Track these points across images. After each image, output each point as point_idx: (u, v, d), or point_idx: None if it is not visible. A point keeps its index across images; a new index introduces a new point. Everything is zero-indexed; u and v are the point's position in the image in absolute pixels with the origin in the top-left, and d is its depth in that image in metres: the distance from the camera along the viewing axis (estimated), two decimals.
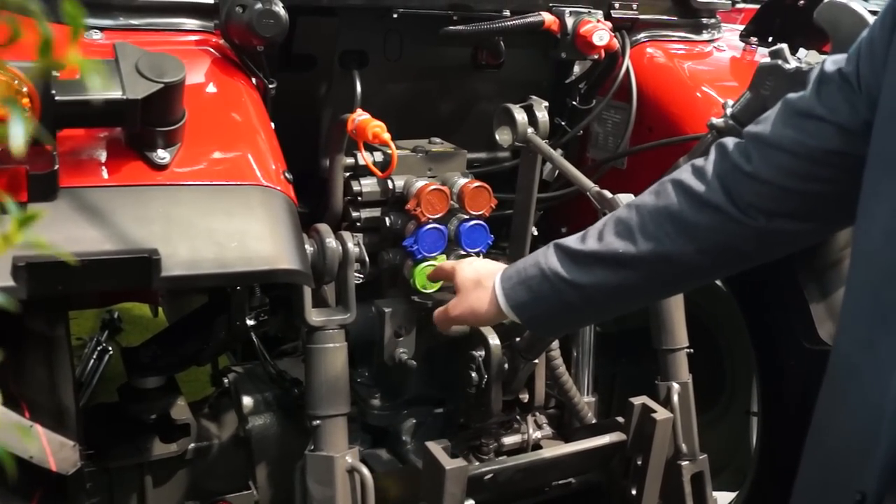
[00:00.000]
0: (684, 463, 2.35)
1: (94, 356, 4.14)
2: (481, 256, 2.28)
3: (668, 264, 1.46)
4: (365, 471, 1.94)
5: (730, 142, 1.43)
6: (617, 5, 2.70)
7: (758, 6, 2.95)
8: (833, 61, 1.30)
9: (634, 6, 2.74)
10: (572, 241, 1.57)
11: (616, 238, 1.49)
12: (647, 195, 1.51)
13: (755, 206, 1.37)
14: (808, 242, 1.45)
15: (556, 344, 2.33)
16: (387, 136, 2.04)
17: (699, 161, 1.46)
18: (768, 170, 1.34)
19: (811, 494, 1.39)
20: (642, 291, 1.57)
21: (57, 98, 1.48)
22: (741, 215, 1.37)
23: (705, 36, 2.98)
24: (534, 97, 2.39)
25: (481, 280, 1.70)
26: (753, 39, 2.88)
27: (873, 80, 1.21)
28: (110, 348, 4.24)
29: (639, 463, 2.24)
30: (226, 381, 2.58)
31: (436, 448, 1.94)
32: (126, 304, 4.34)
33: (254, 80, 2.11)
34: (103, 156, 1.69)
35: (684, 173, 1.47)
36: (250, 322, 2.39)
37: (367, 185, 2.27)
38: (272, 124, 2.03)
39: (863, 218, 1.24)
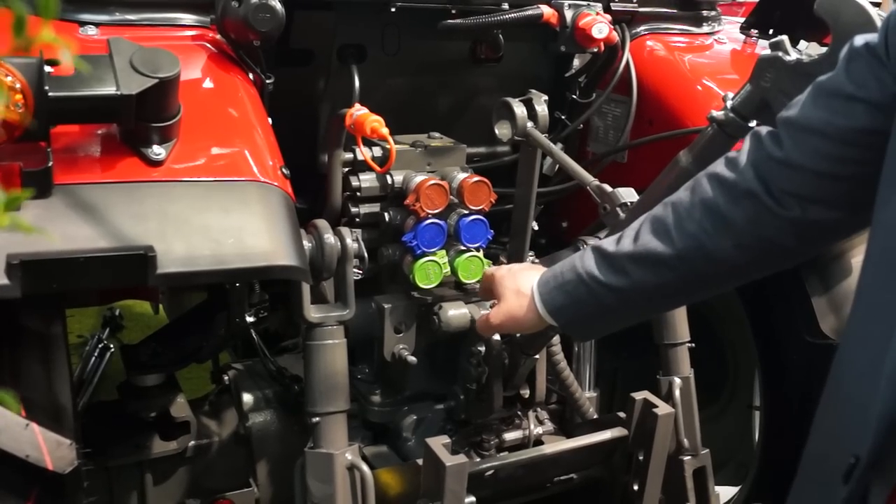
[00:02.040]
0: (686, 458, 2.34)
1: (96, 354, 4.14)
2: (482, 253, 2.28)
3: (706, 262, 1.44)
4: (365, 468, 1.93)
5: (763, 129, 1.40)
6: None
7: None
8: (864, 37, 1.28)
9: None
10: (608, 243, 1.56)
11: (653, 237, 1.48)
12: (682, 192, 1.49)
13: (789, 194, 1.34)
14: (846, 235, 1.43)
15: (557, 339, 2.32)
16: (385, 130, 2.03)
17: (733, 153, 1.44)
18: (800, 154, 1.32)
19: (813, 466, 1.37)
20: (680, 291, 1.56)
21: (50, 94, 1.47)
22: (776, 205, 1.35)
23: (705, 28, 2.97)
24: (533, 91, 2.37)
25: (519, 286, 1.70)
26: (754, 32, 2.86)
27: None
28: (111, 346, 4.23)
29: (640, 458, 2.23)
30: (226, 378, 2.58)
31: (436, 444, 1.93)
32: (127, 302, 4.34)
33: (251, 76, 2.10)
34: (98, 152, 1.69)
35: (719, 166, 1.44)
36: (250, 319, 2.39)
37: (366, 180, 2.26)
38: (269, 120, 2.02)
39: (885, 185, 1.22)
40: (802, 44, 2.42)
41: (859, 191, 1.29)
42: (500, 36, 2.60)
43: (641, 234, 1.50)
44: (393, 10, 2.35)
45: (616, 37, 2.54)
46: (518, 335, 2.19)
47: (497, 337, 2.18)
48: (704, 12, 2.96)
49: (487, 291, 1.84)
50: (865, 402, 1.18)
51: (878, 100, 1.23)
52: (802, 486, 1.41)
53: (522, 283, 1.69)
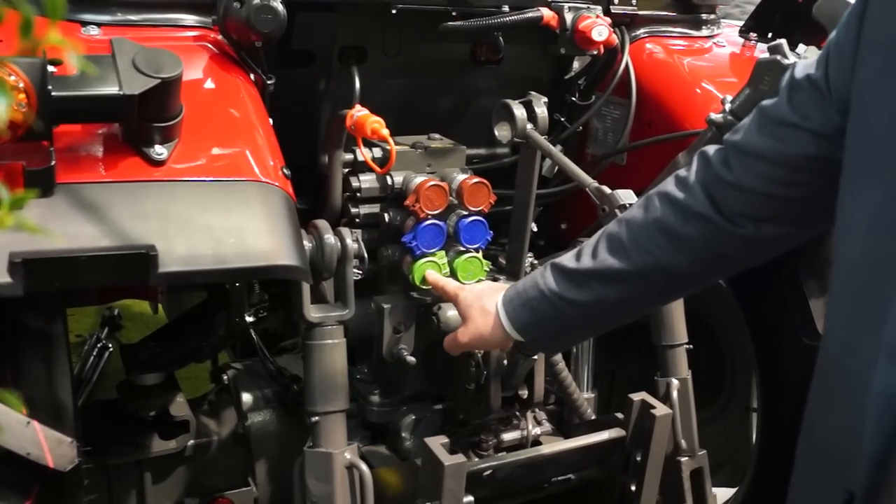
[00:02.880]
0: (684, 459, 2.35)
1: (95, 353, 4.14)
2: (481, 254, 2.28)
3: (662, 276, 1.49)
4: (364, 467, 1.94)
5: (710, 150, 1.44)
6: (616, 1, 2.69)
7: None
8: (803, 66, 1.32)
9: (634, 2, 2.74)
10: (568, 259, 1.59)
11: (609, 255, 1.52)
12: (635, 209, 1.54)
13: (741, 214, 1.39)
14: (796, 243, 1.47)
15: None
16: (385, 131, 2.04)
17: (682, 172, 1.48)
18: (750, 179, 1.36)
19: (805, 492, 1.39)
20: (641, 303, 1.61)
21: (53, 93, 1.48)
22: (728, 224, 1.39)
23: (705, 32, 2.98)
24: (533, 93, 2.39)
25: (484, 305, 1.73)
26: (753, 35, 2.87)
27: (842, 85, 1.22)
28: (110, 345, 4.23)
29: (638, 459, 2.24)
30: (225, 377, 2.58)
31: (435, 444, 1.94)
32: (126, 301, 4.34)
33: (252, 76, 2.11)
34: (100, 151, 1.69)
35: (669, 185, 1.48)
36: (249, 319, 2.39)
37: (366, 181, 2.27)
38: (270, 120, 2.02)
39: (841, 222, 1.26)
40: (801, 47, 2.43)
41: (809, 209, 1.35)
42: (501, 38, 2.61)
43: (599, 251, 1.54)
44: (394, 11, 2.36)
45: (616, 39, 2.55)
46: None
47: None
48: (704, 15, 2.97)
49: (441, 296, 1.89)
50: (852, 436, 1.19)
51: (822, 130, 1.27)
52: None
53: (487, 302, 1.73)
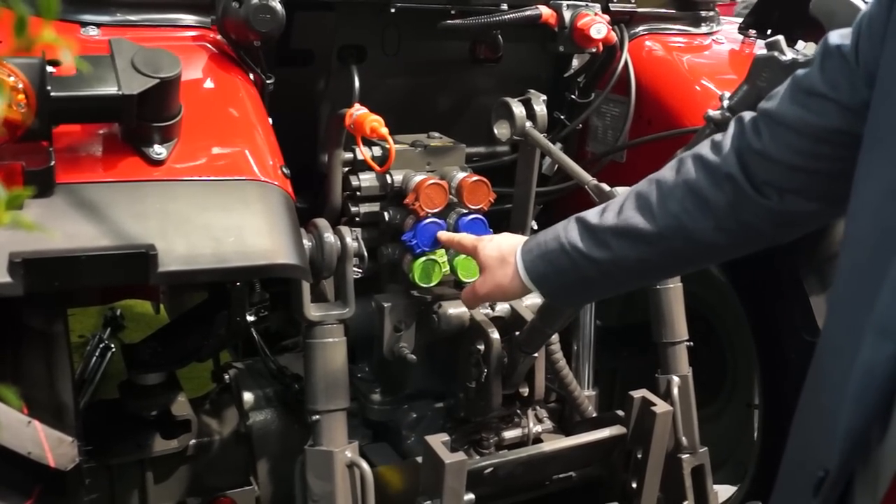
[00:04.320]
0: (685, 456, 2.35)
1: (97, 353, 4.15)
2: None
3: (685, 240, 1.45)
4: (365, 465, 1.94)
5: (747, 116, 1.41)
6: None
7: None
8: (838, 35, 1.28)
9: None
10: (592, 214, 1.56)
11: (636, 212, 1.49)
12: (667, 170, 1.50)
13: (768, 184, 1.36)
14: (824, 222, 1.43)
15: (556, 338, 2.33)
16: (385, 130, 2.04)
17: (718, 136, 1.45)
18: (777, 147, 1.33)
19: (790, 474, 1.38)
20: (660, 267, 1.57)
21: (53, 94, 1.48)
22: (755, 193, 1.37)
23: (704, 29, 2.98)
24: (532, 91, 2.39)
25: (504, 255, 1.70)
26: (752, 32, 2.87)
27: (871, 58, 1.19)
28: (112, 345, 4.24)
29: (639, 456, 2.24)
30: (226, 377, 2.59)
31: (436, 442, 1.94)
32: (128, 301, 4.35)
33: (251, 76, 2.11)
34: (99, 151, 1.70)
35: (703, 148, 1.45)
36: (250, 318, 2.39)
37: (366, 179, 2.27)
38: (270, 119, 2.03)
39: (854, 198, 1.23)
40: (800, 43, 2.43)
41: (834, 184, 1.31)
42: (500, 36, 2.61)
43: (625, 208, 1.51)
44: (393, 10, 2.36)
45: (614, 37, 2.55)
46: (517, 333, 2.20)
47: (496, 335, 2.19)
48: (703, 13, 2.97)
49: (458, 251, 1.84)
50: (835, 415, 1.18)
51: (849, 102, 1.24)
52: (779, 494, 1.41)
53: (506, 252, 1.70)
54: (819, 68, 1.29)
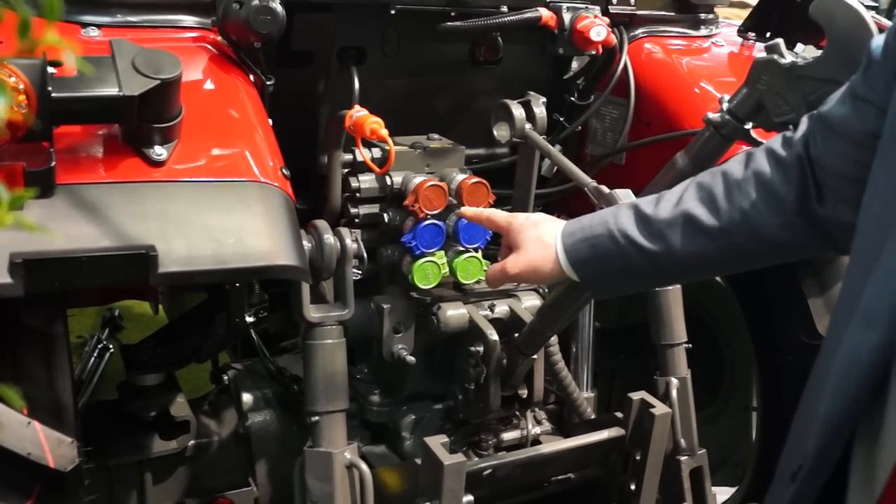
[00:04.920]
0: (683, 458, 2.36)
1: (95, 354, 4.14)
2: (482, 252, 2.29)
3: (749, 236, 1.40)
4: (364, 467, 1.94)
5: (815, 115, 1.38)
6: (614, 1, 2.70)
7: None
8: (882, 40, 1.25)
9: (632, 2, 2.75)
10: (646, 203, 1.50)
11: (697, 204, 1.43)
12: (733, 163, 1.44)
13: (824, 187, 1.32)
14: None
15: (554, 339, 2.33)
16: (385, 132, 2.04)
17: (789, 132, 1.41)
18: (825, 153, 1.31)
19: (781, 465, 1.37)
20: (715, 264, 1.51)
21: (53, 94, 1.48)
22: (816, 192, 1.33)
23: (703, 31, 2.98)
24: (531, 93, 2.39)
25: (542, 235, 1.61)
26: (751, 35, 2.88)
27: None
28: (111, 346, 4.24)
29: (637, 458, 2.24)
30: (225, 378, 2.59)
31: (435, 444, 1.94)
32: (127, 302, 4.35)
33: (251, 77, 2.12)
34: (100, 152, 1.70)
35: (774, 143, 1.42)
36: (249, 319, 2.39)
37: (366, 181, 2.28)
38: (270, 121, 2.03)
39: (867, 192, 1.20)
40: (799, 46, 2.44)
41: None
42: (499, 38, 2.61)
43: (685, 199, 1.45)
44: (392, 12, 2.36)
45: (614, 39, 2.55)
46: (517, 335, 2.21)
47: (495, 337, 2.19)
48: (702, 15, 2.97)
49: (507, 245, 1.72)
50: (819, 403, 1.18)
51: (885, 105, 1.20)
52: (774, 482, 1.41)
53: (545, 233, 1.61)
54: (863, 72, 1.27)
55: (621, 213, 1.52)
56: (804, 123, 1.40)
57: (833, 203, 1.32)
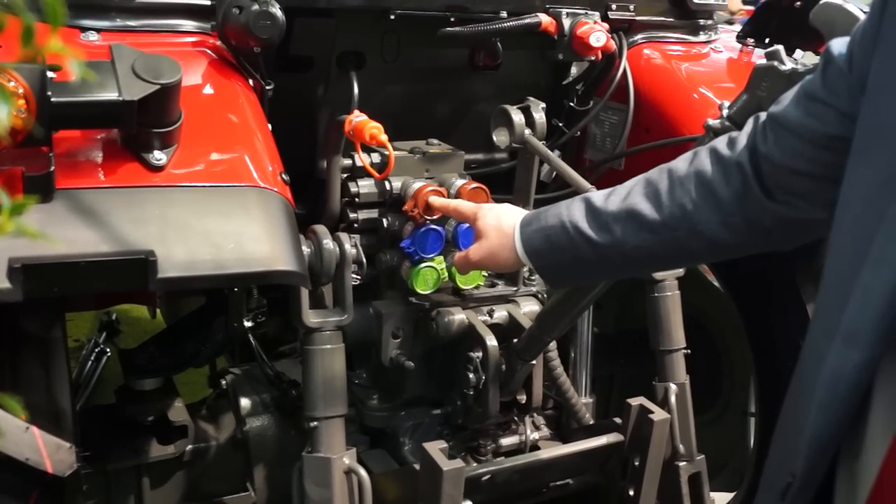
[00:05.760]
0: (682, 463, 2.36)
1: (92, 358, 4.13)
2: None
3: (689, 231, 1.44)
4: (362, 472, 1.94)
5: (763, 115, 1.41)
6: (614, 6, 2.70)
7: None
8: (840, 43, 1.27)
9: (631, 7, 2.75)
10: (598, 196, 1.55)
11: (643, 199, 1.47)
12: (680, 160, 1.48)
13: (774, 186, 1.35)
14: (827, 231, 1.43)
15: (553, 345, 2.33)
16: (384, 137, 2.05)
17: (734, 133, 1.44)
18: (781, 151, 1.33)
19: (766, 478, 1.38)
20: (659, 256, 1.55)
21: (53, 99, 1.48)
22: (763, 193, 1.36)
23: (702, 37, 2.99)
24: (531, 98, 2.39)
25: (502, 224, 1.70)
26: (750, 41, 2.88)
27: (864, 64, 1.19)
28: (108, 350, 4.23)
29: (636, 464, 2.24)
30: (223, 382, 2.58)
31: (433, 449, 1.94)
32: (124, 306, 4.33)
33: (251, 82, 2.11)
34: (99, 157, 1.69)
35: (719, 143, 1.45)
36: (248, 323, 2.39)
37: (365, 186, 2.28)
38: (269, 126, 2.03)
39: (838, 206, 1.22)
40: (798, 53, 2.44)
41: (836, 192, 1.28)
42: (499, 44, 2.61)
43: (632, 194, 1.50)
44: (392, 17, 2.36)
45: (613, 45, 2.56)
46: (515, 340, 2.20)
47: (494, 342, 2.19)
48: (701, 21, 2.98)
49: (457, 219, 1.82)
50: (804, 421, 1.18)
51: (848, 109, 1.23)
52: (759, 497, 1.41)
53: (506, 222, 1.69)
54: (821, 74, 1.29)
55: (574, 205, 1.57)
56: (749, 124, 1.43)
57: (786, 199, 1.35)
